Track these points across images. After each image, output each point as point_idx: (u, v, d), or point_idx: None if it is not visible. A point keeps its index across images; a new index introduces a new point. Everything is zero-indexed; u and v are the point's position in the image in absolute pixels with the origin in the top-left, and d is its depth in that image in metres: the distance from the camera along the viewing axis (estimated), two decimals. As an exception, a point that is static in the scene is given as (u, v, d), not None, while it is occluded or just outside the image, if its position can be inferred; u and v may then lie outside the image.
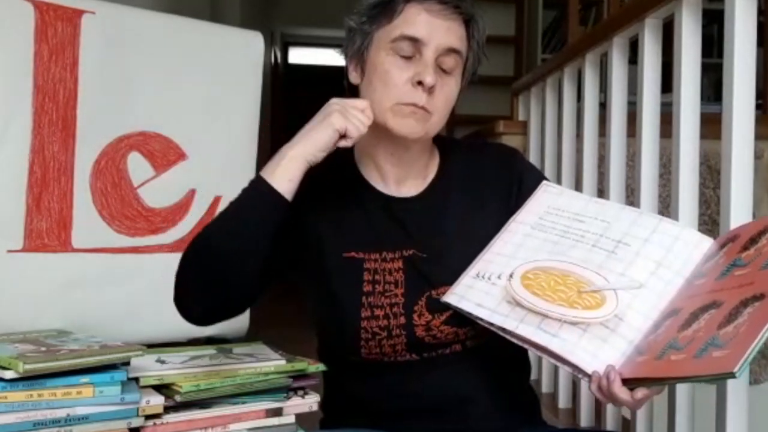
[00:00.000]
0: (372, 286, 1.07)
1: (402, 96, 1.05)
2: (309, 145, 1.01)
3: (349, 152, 1.17)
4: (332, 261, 1.09)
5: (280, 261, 1.10)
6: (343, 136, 1.02)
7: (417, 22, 1.05)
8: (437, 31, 1.05)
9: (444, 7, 1.05)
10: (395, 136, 1.07)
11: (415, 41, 1.04)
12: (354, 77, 1.12)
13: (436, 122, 1.08)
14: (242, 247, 1.01)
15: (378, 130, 1.08)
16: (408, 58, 1.05)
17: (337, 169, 1.15)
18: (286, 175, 1.01)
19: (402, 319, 1.06)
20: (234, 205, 1.04)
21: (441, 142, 1.19)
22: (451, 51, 1.06)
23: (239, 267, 1.02)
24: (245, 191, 1.04)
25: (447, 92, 1.07)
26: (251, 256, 1.02)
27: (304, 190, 1.10)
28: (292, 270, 1.14)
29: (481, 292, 1.02)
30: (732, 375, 0.78)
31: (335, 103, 1.03)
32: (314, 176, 1.13)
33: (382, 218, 1.12)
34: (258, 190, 1.02)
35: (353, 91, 1.13)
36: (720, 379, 0.80)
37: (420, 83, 1.04)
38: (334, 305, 1.08)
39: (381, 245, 1.09)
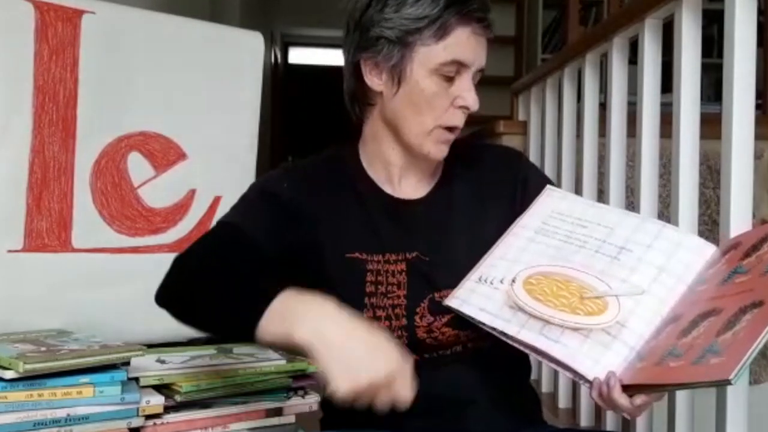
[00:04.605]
0: (374, 287, 1.07)
1: (445, 119, 1.06)
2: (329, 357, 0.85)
3: (353, 152, 1.17)
4: (334, 261, 1.09)
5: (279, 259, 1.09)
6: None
7: (467, 46, 1.04)
8: (479, 54, 1.05)
9: (485, 29, 1.05)
10: (424, 156, 1.09)
11: (461, 65, 1.04)
12: (376, 83, 1.08)
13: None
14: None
15: (403, 144, 1.10)
16: (450, 79, 1.05)
17: (340, 170, 1.15)
18: (281, 344, 0.89)
19: (404, 321, 1.06)
20: (235, 293, 0.97)
21: None
22: (482, 69, 1.07)
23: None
24: (257, 298, 0.93)
25: None
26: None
27: (305, 190, 1.10)
28: (293, 269, 1.13)
29: (483, 296, 1.02)
30: (728, 382, 0.77)
31: (389, 376, 0.85)
32: (314, 177, 1.14)
33: (385, 220, 1.12)
34: (255, 312, 0.90)
35: (359, 89, 1.11)
36: (716, 385, 0.80)
37: (463, 107, 1.05)
38: None
39: (384, 247, 1.09)
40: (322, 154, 1.20)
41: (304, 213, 1.11)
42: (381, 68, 1.06)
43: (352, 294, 1.07)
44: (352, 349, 0.85)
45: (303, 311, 0.88)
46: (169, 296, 1.06)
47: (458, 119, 1.07)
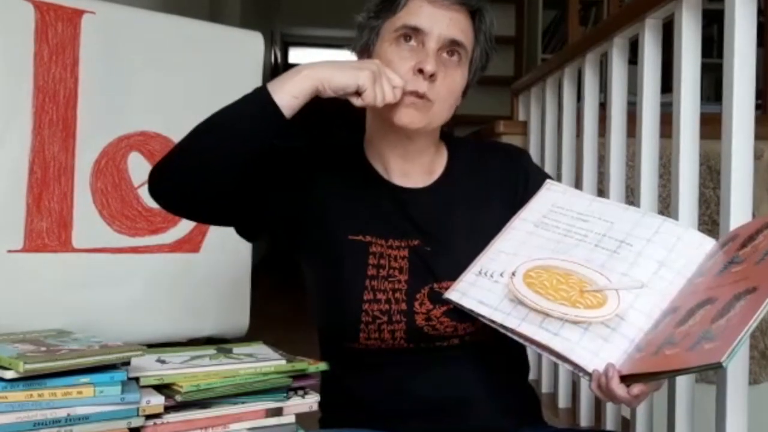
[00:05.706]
0: (376, 270, 1.08)
1: (409, 85, 1.06)
2: (328, 75, 1.01)
3: (358, 138, 1.18)
4: (338, 242, 1.10)
5: (268, 204, 1.11)
6: (358, 94, 1.01)
7: (419, 13, 1.06)
8: (439, 22, 1.06)
9: None
10: (398, 127, 1.08)
11: (417, 31, 1.06)
12: None
13: (439, 112, 1.08)
14: (222, 144, 1.01)
15: (382, 122, 1.09)
16: (411, 48, 1.06)
17: (347, 154, 1.17)
18: (292, 90, 1.00)
19: (403, 305, 1.06)
20: (231, 105, 1.04)
21: (449, 139, 1.20)
22: (454, 42, 1.07)
23: (216, 164, 1.01)
24: (246, 95, 1.04)
25: (450, 82, 1.08)
26: (229, 158, 1.01)
27: (313, 165, 1.12)
28: (296, 248, 1.15)
29: (483, 289, 1.03)
30: (719, 365, 0.78)
31: (375, 64, 1.03)
32: (324, 155, 1.15)
33: (389, 207, 1.13)
34: (257, 97, 1.02)
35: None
36: (709, 369, 0.82)
37: (421, 71, 1.04)
38: (337, 286, 1.09)
39: (387, 232, 1.10)
40: (333, 139, 1.21)
41: (315, 187, 1.12)
42: (362, 56, 1.12)
43: (353, 275, 1.07)
44: (348, 61, 1.06)
45: (296, 70, 1.02)
46: (160, 171, 1.05)
47: (419, 85, 1.05)
